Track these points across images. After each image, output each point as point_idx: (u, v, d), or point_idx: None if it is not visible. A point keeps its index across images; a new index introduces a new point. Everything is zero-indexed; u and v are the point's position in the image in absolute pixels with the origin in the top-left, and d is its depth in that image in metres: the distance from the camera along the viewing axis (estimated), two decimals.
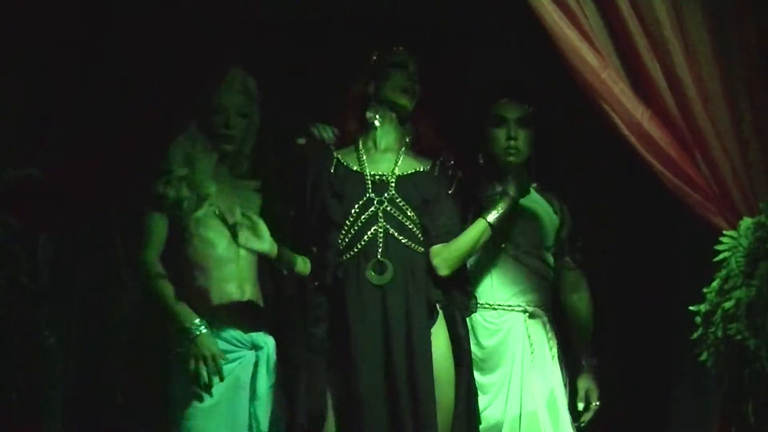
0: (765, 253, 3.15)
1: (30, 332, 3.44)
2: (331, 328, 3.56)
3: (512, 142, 3.72)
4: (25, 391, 3.37)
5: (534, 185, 3.77)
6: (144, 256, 3.70)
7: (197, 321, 3.60)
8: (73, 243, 4.83)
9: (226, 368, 3.59)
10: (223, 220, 3.63)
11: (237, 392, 3.63)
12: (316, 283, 3.66)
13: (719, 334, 3.21)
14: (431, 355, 3.49)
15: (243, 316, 3.68)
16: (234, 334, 3.65)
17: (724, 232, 3.32)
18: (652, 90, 3.47)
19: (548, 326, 3.69)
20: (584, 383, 3.81)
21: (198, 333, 3.58)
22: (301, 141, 3.85)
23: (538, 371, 3.61)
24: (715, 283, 3.28)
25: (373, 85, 3.72)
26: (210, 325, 3.61)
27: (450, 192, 3.63)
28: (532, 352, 3.65)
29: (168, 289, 3.67)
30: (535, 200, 3.72)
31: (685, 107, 3.44)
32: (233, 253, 3.65)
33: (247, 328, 3.69)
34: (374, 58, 3.78)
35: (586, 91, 3.57)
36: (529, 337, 3.63)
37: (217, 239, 3.64)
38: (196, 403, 3.57)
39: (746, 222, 3.27)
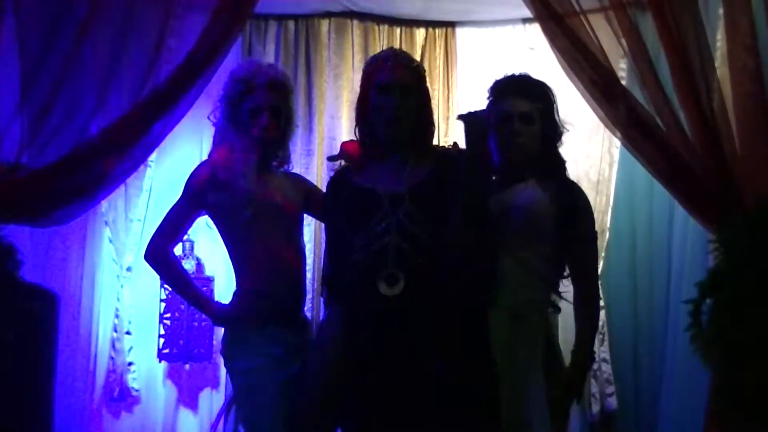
0: (756, 249, 3.16)
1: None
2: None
3: (517, 138, 3.68)
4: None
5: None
6: (150, 239, 3.69)
7: (213, 309, 3.66)
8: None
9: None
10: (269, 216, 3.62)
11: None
12: (323, 295, 3.64)
13: (710, 328, 3.21)
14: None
15: (291, 317, 3.67)
16: (285, 336, 3.62)
17: (717, 228, 3.33)
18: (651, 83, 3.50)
19: (536, 328, 3.61)
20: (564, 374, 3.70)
21: (221, 318, 3.64)
22: (332, 157, 3.80)
23: (515, 376, 3.55)
24: (707, 278, 3.28)
25: (367, 104, 3.51)
26: (264, 326, 3.59)
27: (461, 179, 3.51)
28: (512, 355, 3.59)
29: (176, 275, 3.69)
30: (527, 191, 3.69)
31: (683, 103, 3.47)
32: (284, 254, 3.64)
33: (294, 330, 3.66)
34: (364, 69, 3.58)
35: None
36: (511, 339, 3.57)
37: (268, 237, 3.62)
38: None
39: (738, 218, 3.27)
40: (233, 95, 3.63)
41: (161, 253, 3.66)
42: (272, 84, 3.65)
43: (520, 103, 3.65)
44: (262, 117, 3.62)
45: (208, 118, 3.73)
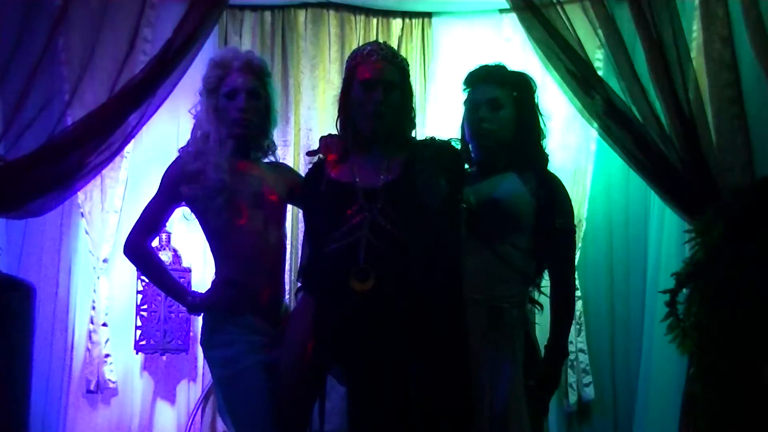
0: (731, 239, 3.17)
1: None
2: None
3: (483, 124, 3.68)
4: None
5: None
6: (129, 234, 3.67)
7: (189, 299, 3.62)
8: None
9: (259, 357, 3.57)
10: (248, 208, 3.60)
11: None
12: (299, 284, 3.64)
13: (687, 317, 3.22)
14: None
15: (269, 307, 3.66)
16: (262, 325, 3.62)
17: (693, 219, 3.34)
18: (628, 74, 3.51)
19: (515, 322, 3.60)
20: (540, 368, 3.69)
21: (196, 306, 3.60)
22: (311, 152, 3.80)
23: (495, 372, 3.56)
24: (683, 268, 3.29)
25: (349, 98, 3.47)
26: (241, 315, 3.58)
27: (435, 170, 3.49)
28: (491, 350, 3.59)
29: (154, 267, 3.67)
30: (506, 183, 3.68)
31: (660, 94, 3.48)
32: (263, 244, 3.64)
33: (273, 321, 3.66)
34: (347, 63, 3.53)
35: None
36: (488, 334, 3.57)
37: (247, 226, 3.61)
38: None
39: (713, 208, 3.28)
40: (211, 81, 3.62)
41: (140, 247, 3.66)
42: (248, 67, 3.65)
43: (487, 89, 3.65)
44: (238, 99, 3.61)
45: (189, 112, 3.72)
